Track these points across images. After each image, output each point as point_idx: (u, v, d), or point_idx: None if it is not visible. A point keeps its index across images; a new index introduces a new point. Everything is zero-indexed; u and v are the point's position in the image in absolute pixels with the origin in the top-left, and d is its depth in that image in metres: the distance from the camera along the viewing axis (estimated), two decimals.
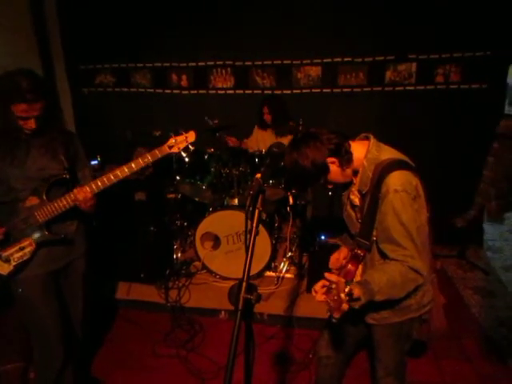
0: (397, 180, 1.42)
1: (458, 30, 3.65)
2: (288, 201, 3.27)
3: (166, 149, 1.93)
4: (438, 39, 3.73)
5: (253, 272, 3.18)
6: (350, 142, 1.56)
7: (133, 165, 1.90)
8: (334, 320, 1.24)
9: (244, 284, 1.14)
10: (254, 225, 1.16)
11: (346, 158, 1.53)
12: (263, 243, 3.10)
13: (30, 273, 1.92)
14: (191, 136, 1.97)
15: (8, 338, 2.76)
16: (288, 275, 3.29)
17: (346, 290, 1.23)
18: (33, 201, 1.85)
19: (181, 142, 1.95)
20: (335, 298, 1.21)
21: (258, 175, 1.32)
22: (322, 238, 2.87)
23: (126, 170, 1.89)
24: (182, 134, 1.96)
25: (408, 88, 3.95)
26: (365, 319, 1.70)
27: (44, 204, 1.85)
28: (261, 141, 3.90)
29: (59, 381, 2.12)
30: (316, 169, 1.52)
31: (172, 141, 1.94)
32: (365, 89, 4.03)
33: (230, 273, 3.26)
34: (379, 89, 4.01)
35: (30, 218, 1.85)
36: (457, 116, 3.86)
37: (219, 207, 3.24)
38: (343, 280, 1.26)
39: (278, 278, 3.21)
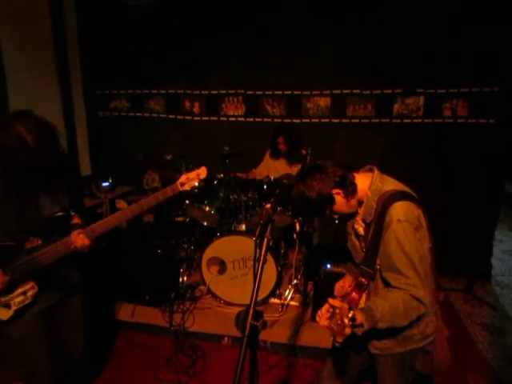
0: (400, 210, 1.46)
1: (466, 65, 3.75)
2: (295, 228, 3.29)
3: (177, 187, 1.92)
4: (446, 74, 3.83)
5: (258, 298, 3.17)
6: (355, 174, 1.63)
7: (144, 205, 1.87)
8: (336, 344, 1.27)
9: (251, 310, 1.16)
10: (263, 253, 1.19)
11: (350, 189, 1.58)
12: (269, 269, 3.10)
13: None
14: (203, 172, 1.96)
15: (7, 357, 2.74)
16: (293, 303, 3.27)
17: (350, 315, 1.26)
18: (34, 242, 1.77)
19: (192, 180, 1.94)
20: (338, 322, 1.24)
21: (268, 205, 1.37)
22: (328, 266, 2.87)
23: (138, 210, 1.86)
24: (193, 171, 1.95)
25: (416, 121, 4.03)
26: (368, 349, 1.70)
27: (46, 246, 1.78)
28: (272, 169, 3.96)
29: None
30: (322, 200, 1.58)
31: (184, 178, 1.93)
32: (373, 120, 4.12)
33: (234, 298, 3.25)
34: (387, 121, 4.09)
35: (32, 260, 1.76)
36: (464, 150, 3.90)
37: (226, 232, 3.27)
38: (346, 306, 1.28)
39: (283, 305, 3.19)
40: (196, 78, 4.47)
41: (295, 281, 3.39)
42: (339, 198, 1.60)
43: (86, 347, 2.18)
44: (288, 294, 3.30)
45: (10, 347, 1.91)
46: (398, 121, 4.07)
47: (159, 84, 4.63)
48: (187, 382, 2.66)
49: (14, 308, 1.76)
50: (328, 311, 1.36)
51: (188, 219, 3.65)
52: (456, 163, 3.94)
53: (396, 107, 4.05)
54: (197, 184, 1.97)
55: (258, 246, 1.27)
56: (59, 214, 1.83)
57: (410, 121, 4.04)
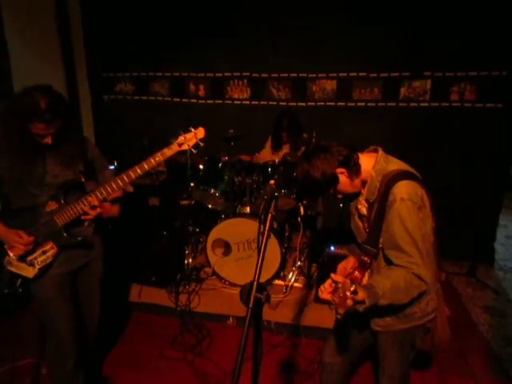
0: (403, 189, 1.48)
1: (474, 48, 3.70)
2: (299, 211, 3.32)
3: (175, 147, 1.90)
4: (454, 57, 3.79)
5: (262, 280, 3.19)
6: (359, 154, 1.64)
7: (145, 165, 1.89)
8: (338, 316, 1.30)
9: (255, 283, 1.19)
10: (267, 228, 1.22)
11: (354, 168, 1.60)
12: (273, 252, 3.14)
13: (47, 273, 1.97)
14: (200, 132, 1.93)
15: (22, 335, 2.84)
16: (296, 284, 3.32)
17: (352, 288, 1.29)
18: (52, 206, 1.91)
19: (190, 139, 1.92)
20: (341, 295, 1.27)
21: (272, 182, 1.39)
22: (331, 248, 2.90)
23: (140, 171, 1.89)
24: (191, 131, 1.93)
25: (422, 105, 4.00)
26: (370, 326, 1.73)
27: (62, 208, 1.91)
28: (275, 155, 3.96)
29: (70, 378, 2.16)
30: (326, 179, 1.60)
31: (182, 138, 1.91)
32: (379, 104, 4.09)
33: (239, 280, 3.30)
34: (393, 104, 4.06)
35: (50, 222, 1.91)
36: (470, 134, 3.88)
37: (231, 214, 3.30)
38: (348, 280, 1.31)
39: (287, 286, 3.24)
40: (201, 61, 4.43)
41: (299, 263, 3.42)
42: (343, 178, 1.62)
43: (100, 319, 2.31)
44: (292, 276, 3.34)
45: (38, 308, 2.08)
46: (405, 104, 4.04)
47: (164, 67, 4.60)
48: (193, 359, 2.73)
49: (37, 266, 1.92)
50: (330, 286, 1.39)
51: (193, 202, 3.67)
52: (462, 148, 3.92)
53: (403, 91, 4.02)
54: (195, 144, 1.93)
55: (262, 221, 1.29)
56: (73, 180, 1.96)
57: (416, 104, 4.01)
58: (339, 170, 1.60)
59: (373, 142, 1.74)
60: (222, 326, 3.11)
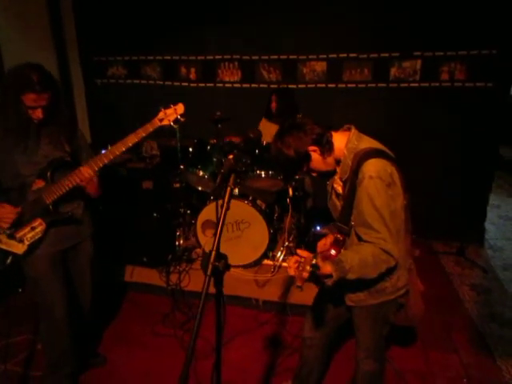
0: (372, 167, 1.51)
1: (464, 27, 3.66)
2: (288, 192, 3.35)
3: (156, 122, 1.98)
4: (444, 37, 3.75)
5: (250, 260, 3.29)
6: (332, 133, 1.66)
7: (128, 141, 1.96)
8: (298, 288, 1.39)
9: (213, 252, 1.24)
10: (226, 200, 1.27)
11: (327, 146, 1.63)
12: (261, 233, 3.19)
13: (38, 252, 2.03)
14: (180, 108, 2.00)
15: (19, 314, 2.94)
16: (285, 264, 3.37)
17: (313, 262, 1.36)
18: (39, 184, 1.96)
19: (171, 115, 1.99)
20: (300, 269, 1.34)
21: (231, 156, 1.44)
22: (317, 228, 2.95)
23: (123, 147, 1.96)
24: (170, 107, 2.00)
25: (412, 85, 3.98)
26: (344, 301, 1.79)
27: (50, 185, 1.96)
28: (267, 134, 3.94)
29: (63, 356, 2.24)
30: (298, 157, 1.63)
31: (162, 114, 1.98)
32: (369, 85, 4.08)
33: (229, 260, 3.35)
34: (384, 85, 4.04)
35: (38, 199, 1.96)
36: (461, 114, 3.87)
37: (220, 196, 3.33)
38: (312, 255, 1.37)
39: (275, 266, 3.30)
40: (192, 44, 4.41)
41: (287, 243, 3.48)
42: (315, 156, 1.65)
43: (93, 298, 2.39)
44: (280, 255, 3.40)
45: (32, 288, 2.15)
46: (395, 85, 4.02)
47: (155, 50, 4.58)
48: (182, 336, 2.81)
49: (27, 243, 1.97)
50: (296, 262, 1.44)
51: (184, 184, 3.72)
52: (452, 127, 3.92)
53: (393, 71, 4.00)
54: (176, 119, 2.00)
55: (222, 194, 1.36)
56: (60, 158, 2.00)
57: (406, 85, 3.99)
58: (311, 147, 1.63)
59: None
60: (211, 305, 3.16)
